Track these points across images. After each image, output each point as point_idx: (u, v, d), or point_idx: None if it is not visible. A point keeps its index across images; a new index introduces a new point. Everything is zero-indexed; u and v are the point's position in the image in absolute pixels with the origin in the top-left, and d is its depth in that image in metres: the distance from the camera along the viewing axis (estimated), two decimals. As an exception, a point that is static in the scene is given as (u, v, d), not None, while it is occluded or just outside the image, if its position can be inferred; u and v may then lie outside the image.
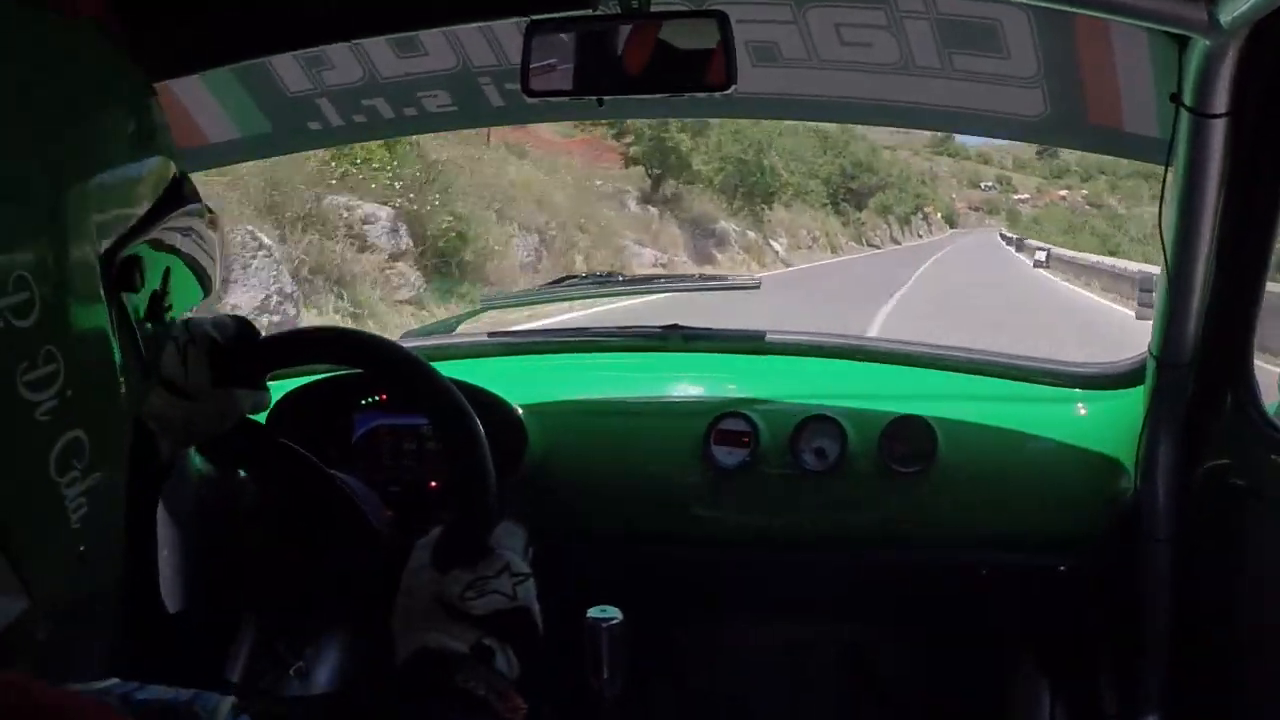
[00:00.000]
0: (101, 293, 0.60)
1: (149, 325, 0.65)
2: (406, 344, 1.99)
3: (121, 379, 0.62)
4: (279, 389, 1.77)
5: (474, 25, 1.58)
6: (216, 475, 1.28)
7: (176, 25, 1.40)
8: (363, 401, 1.80)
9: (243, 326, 1.06)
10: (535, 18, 1.30)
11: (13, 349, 0.52)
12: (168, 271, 0.67)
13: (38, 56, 0.58)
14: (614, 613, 1.47)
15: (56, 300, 0.55)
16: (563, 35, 1.32)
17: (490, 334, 2.12)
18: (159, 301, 0.66)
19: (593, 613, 1.47)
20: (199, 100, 1.78)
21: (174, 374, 0.99)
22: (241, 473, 1.22)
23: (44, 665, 0.60)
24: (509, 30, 1.58)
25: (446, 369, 1.17)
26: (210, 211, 0.76)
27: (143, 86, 0.70)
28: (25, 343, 0.53)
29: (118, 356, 0.62)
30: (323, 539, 1.12)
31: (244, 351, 1.04)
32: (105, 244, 0.61)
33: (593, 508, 1.82)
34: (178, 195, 0.69)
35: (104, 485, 0.60)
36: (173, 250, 0.68)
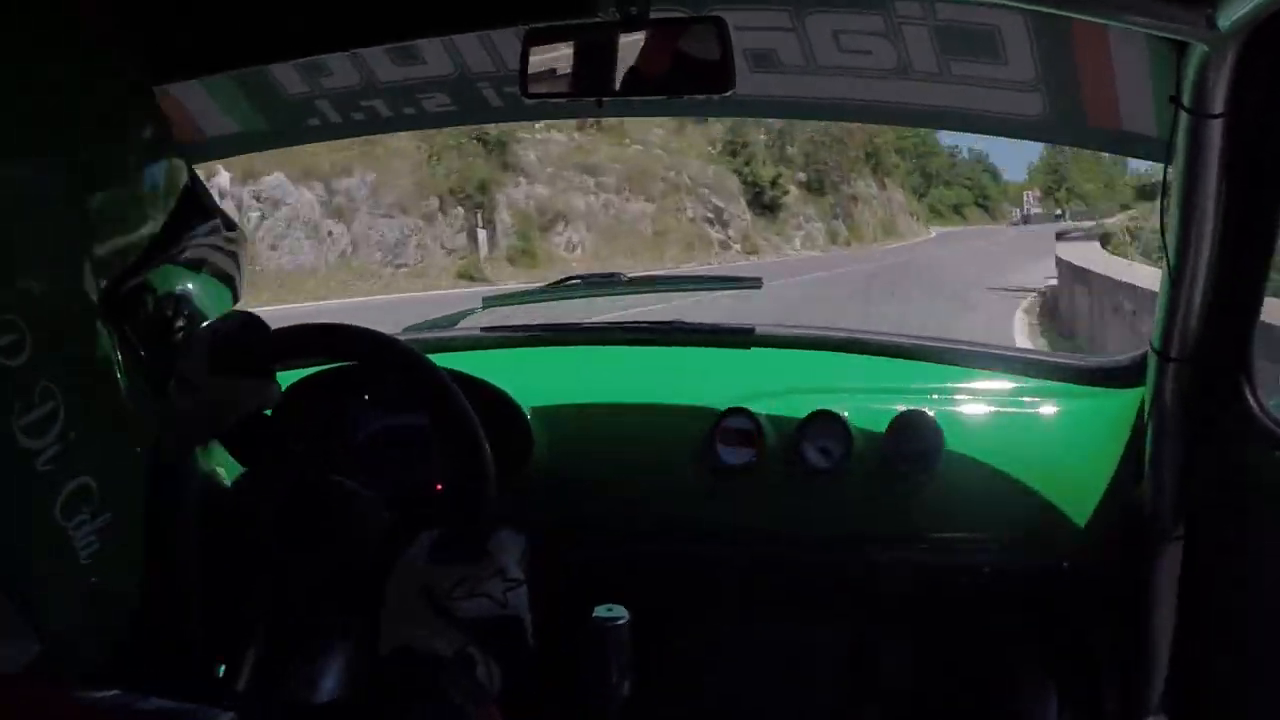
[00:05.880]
0: (102, 325, 0.59)
1: (157, 351, 0.64)
2: (407, 338, 1.99)
3: (129, 413, 0.61)
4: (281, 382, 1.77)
5: (472, 33, 1.57)
6: (220, 479, 1.28)
7: (171, 32, 1.40)
8: (365, 396, 1.79)
9: (248, 319, 1.03)
10: (533, 25, 1.30)
11: (4, 389, 0.52)
12: (179, 296, 0.66)
13: (37, 74, 0.57)
14: (620, 612, 1.47)
15: (50, 337, 0.54)
16: (560, 42, 1.32)
17: (484, 329, 2.11)
18: (169, 325, 0.66)
19: (599, 612, 1.47)
20: (195, 99, 1.78)
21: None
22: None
23: None
24: (507, 37, 1.58)
25: (445, 362, 1.18)
26: (231, 225, 0.74)
27: (141, 90, 0.68)
28: (16, 382, 0.52)
29: (124, 389, 0.61)
30: (323, 541, 1.12)
31: (243, 342, 1.00)
32: (110, 274, 0.60)
33: (597, 506, 1.83)
34: (191, 209, 0.68)
35: (116, 522, 0.60)
36: (187, 275, 0.67)
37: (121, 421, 0.61)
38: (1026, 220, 76.74)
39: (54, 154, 0.56)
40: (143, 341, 0.64)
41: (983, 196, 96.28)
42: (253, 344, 1.04)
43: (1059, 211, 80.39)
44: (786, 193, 40.16)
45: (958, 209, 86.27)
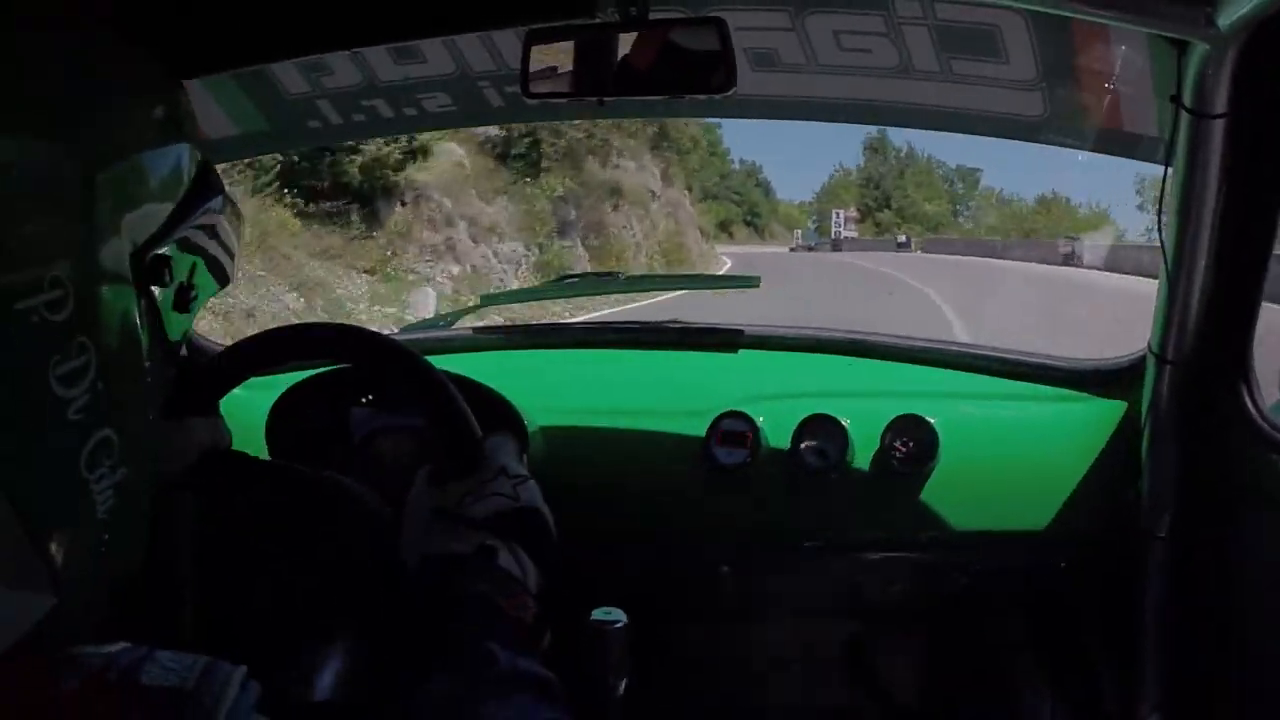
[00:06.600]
0: (132, 289, 0.62)
1: (176, 317, 0.68)
2: (404, 338, 1.99)
3: (149, 371, 0.64)
4: (279, 385, 1.77)
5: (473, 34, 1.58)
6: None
7: (173, 32, 1.40)
8: (364, 399, 1.79)
9: (182, 361, 1.08)
10: (534, 26, 1.30)
11: (46, 342, 0.54)
12: (194, 266, 0.69)
13: (58, 55, 0.59)
14: (618, 615, 1.46)
15: (89, 295, 0.57)
16: (561, 42, 1.33)
17: (475, 329, 2.11)
18: (185, 294, 0.69)
19: (597, 614, 1.47)
20: (196, 102, 1.78)
21: None
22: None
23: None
24: (508, 37, 1.58)
25: (442, 363, 1.18)
26: (232, 202, 0.76)
27: (165, 77, 0.71)
28: (58, 335, 0.55)
29: (145, 349, 0.64)
30: (321, 543, 1.13)
31: (186, 382, 1.06)
32: (136, 242, 0.62)
33: (592, 508, 1.82)
34: (205, 185, 0.70)
35: (130, 479, 0.62)
36: (199, 248, 0.70)
37: (141, 381, 0.63)
38: (836, 246, 62.09)
39: (82, 139, 0.59)
40: (163, 306, 0.67)
41: (752, 213, 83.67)
42: (196, 383, 1.09)
43: (903, 238, 63.78)
44: (423, 155, 17.27)
45: (725, 226, 73.34)
